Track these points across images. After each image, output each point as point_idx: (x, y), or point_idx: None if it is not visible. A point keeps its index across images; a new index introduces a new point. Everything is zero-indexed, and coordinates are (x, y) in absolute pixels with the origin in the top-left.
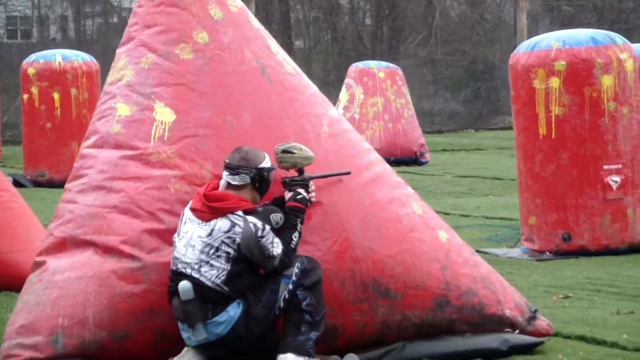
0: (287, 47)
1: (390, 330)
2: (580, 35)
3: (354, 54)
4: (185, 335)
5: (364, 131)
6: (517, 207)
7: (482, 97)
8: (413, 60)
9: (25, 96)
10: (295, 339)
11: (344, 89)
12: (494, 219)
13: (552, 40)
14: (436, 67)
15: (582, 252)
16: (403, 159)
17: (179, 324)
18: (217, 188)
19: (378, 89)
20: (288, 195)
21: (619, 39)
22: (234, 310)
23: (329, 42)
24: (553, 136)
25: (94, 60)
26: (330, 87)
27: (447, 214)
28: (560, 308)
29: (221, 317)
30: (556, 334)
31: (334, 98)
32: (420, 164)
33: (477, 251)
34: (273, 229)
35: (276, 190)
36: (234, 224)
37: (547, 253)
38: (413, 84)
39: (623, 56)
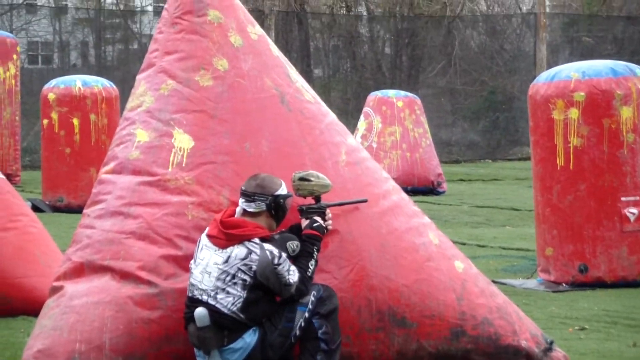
0: (307, 75)
1: (406, 359)
2: (599, 67)
3: (373, 83)
4: None
5: (382, 160)
6: (534, 238)
7: (500, 128)
8: (432, 89)
9: (45, 121)
10: None
11: (362, 117)
12: (511, 250)
13: (572, 71)
14: (455, 97)
15: (599, 284)
16: (420, 189)
17: (195, 350)
18: (233, 215)
19: (396, 118)
20: (305, 223)
21: (639, 70)
22: (250, 338)
23: (348, 70)
24: (571, 167)
25: (114, 86)
26: (349, 115)
27: (464, 244)
28: (576, 340)
29: (237, 344)
30: None
31: (352, 127)
32: (438, 193)
33: (494, 282)
34: (289, 257)
35: (293, 218)
36: (250, 251)
37: (564, 284)
38: (431, 114)
39: None
